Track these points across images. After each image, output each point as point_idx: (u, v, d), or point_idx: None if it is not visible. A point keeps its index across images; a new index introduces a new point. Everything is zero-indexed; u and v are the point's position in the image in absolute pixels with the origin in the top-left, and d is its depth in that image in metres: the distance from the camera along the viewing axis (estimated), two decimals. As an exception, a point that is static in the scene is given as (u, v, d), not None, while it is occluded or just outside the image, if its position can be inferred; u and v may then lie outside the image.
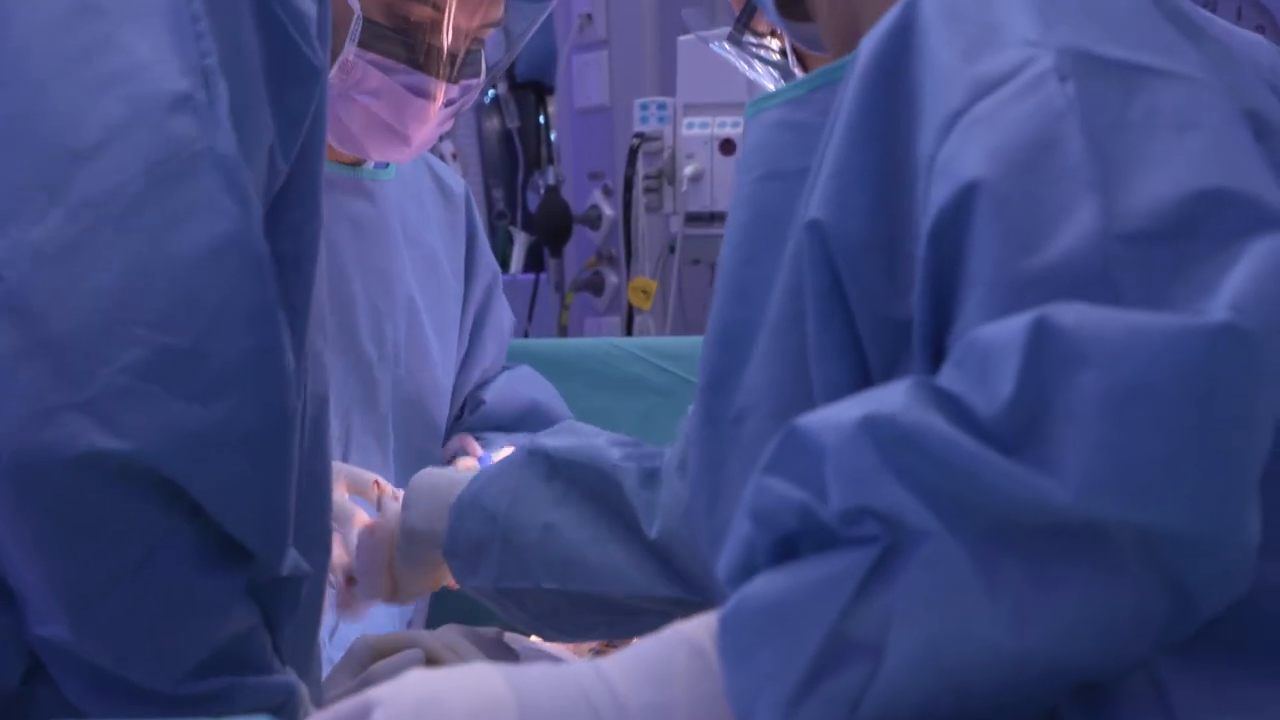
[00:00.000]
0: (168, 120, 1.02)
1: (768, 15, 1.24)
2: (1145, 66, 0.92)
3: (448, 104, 1.77)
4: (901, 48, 0.96)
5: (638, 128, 3.78)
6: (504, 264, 4.45)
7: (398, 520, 1.55)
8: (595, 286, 4.15)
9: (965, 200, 0.88)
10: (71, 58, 1.04)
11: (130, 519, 1.01)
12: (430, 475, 1.57)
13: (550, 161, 4.49)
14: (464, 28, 1.75)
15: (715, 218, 3.57)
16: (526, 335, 4.03)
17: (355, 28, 1.72)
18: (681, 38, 3.67)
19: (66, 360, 0.99)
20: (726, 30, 1.37)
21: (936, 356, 0.90)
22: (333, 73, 1.72)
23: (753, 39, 1.33)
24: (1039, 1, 0.95)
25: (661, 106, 3.77)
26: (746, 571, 0.87)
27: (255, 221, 1.03)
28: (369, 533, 1.58)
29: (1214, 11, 3.82)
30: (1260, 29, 4.13)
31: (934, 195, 0.90)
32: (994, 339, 0.82)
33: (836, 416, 0.84)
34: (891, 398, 0.83)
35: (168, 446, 0.99)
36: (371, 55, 1.73)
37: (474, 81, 1.79)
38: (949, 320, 0.89)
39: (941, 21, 0.96)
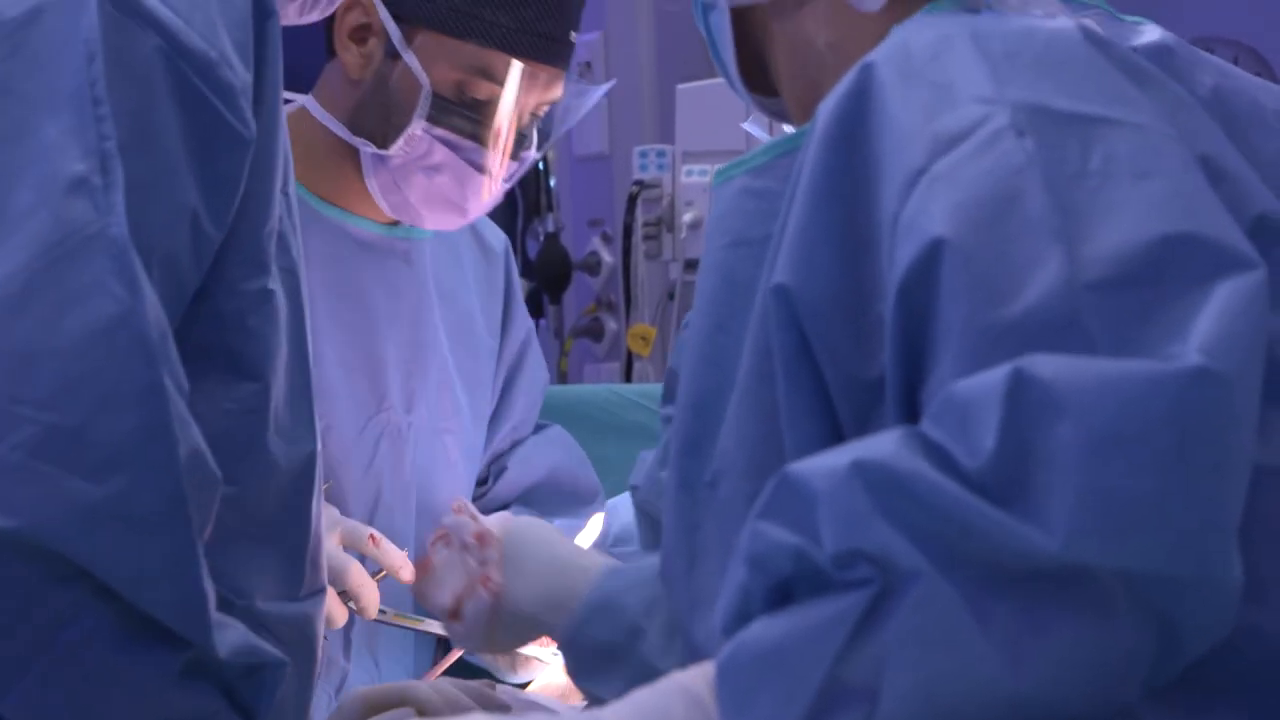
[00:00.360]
0: (64, 203, 1.04)
1: (736, 92, 1.25)
2: (1100, 117, 0.94)
3: (506, 179, 1.80)
4: (859, 110, 0.98)
5: (637, 175, 3.79)
6: (504, 311, 4.44)
7: (500, 595, 1.40)
8: (594, 333, 4.16)
9: (932, 257, 0.89)
10: None
11: (30, 596, 1.02)
12: (534, 551, 1.39)
13: (549, 209, 4.50)
14: (526, 106, 1.78)
15: (714, 264, 3.57)
16: (526, 382, 4.02)
17: (424, 103, 1.75)
18: (680, 86, 3.69)
19: None
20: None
21: (910, 412, 0.91)
22: (398, 144, 1.76)
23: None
24: (992, 59, 0.97)
25: (660, 154, 3.78)
26: (742, 618, 0.87)
27: (144, 303, 1.04)
28: (472, 599, 1.41)
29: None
30: (1257, 75, 4.13)
31: (899, 254, 0.91)
32: (971, 393, 0.83)
33: (828, 463, 0.85)
34: (882, 444, 0.84)
35: (59, 523, 1.01)
36: (439, 131, 1.76)
37: (528, 154, 1.82)
38: (921, 376, 0.90)
39: (897, 83, 0.97)
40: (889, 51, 1.00)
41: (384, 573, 1.71)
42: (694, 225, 3.63)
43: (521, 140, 1.79)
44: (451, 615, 1.42)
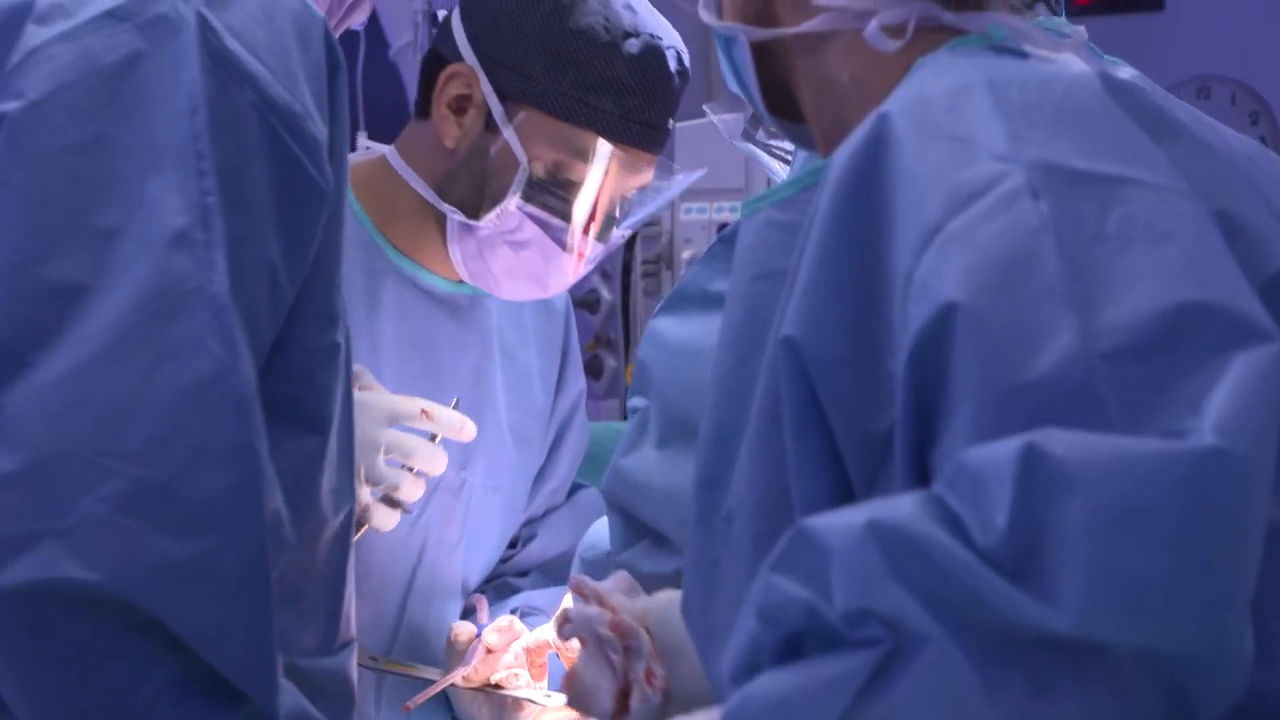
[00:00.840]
0: (165, 257, 1.04)
1: (760, 116, 1.25)
2: (1117, 177, 0.93)
3: (591, 259, 1.81)
4: (874, 162, 0.97)
5: (636, 213, 3.80)
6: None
7: (668, 689, 1.34)
8: (594, 370, 4.15)
9: (945, 321, 0.88)
10: (90, 189, 1.05)
11: (106, 649, 1.01)
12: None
13: (548, 246, 4.50)
14: (619, 189, 1.79)
15: (713, 302, 3.58)
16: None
17: (520, 179, 1.75)
18: (679, 124, 3.69)
19: (47, 487, 1.00)
20: (738, 117, 1.37)
21: (919, 470, 0.90)
22: (490, 217, 1.76)
23: (766, 136, 1.33)
24: (1009, 112, 0.96)
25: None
26: (751, 669, 0.87)
27: (241, 361, 1.04)
28: (641, 700, 1.35)
29: (1208, 98, 3.84)
30: (1254, 115, 4.16)
31: (912, 314, 0.90)
32: (984, 464, 0.83)
33: (844, 519, 0.84)
34: (900, 506, 0.84)
35: (141, 579, 1.00)
36: (531, 208, 1.76)
37: (613, 235, 1.82)
38: (932, 437, 0.89)
39: (913, 136, 0.96)
40: (906, 102, 0.99)
41: (440, 436, 1.68)
42: (693, 263, 3.64)
43: (610, 223, 1.80)
44: (616, 716, 1.42)
